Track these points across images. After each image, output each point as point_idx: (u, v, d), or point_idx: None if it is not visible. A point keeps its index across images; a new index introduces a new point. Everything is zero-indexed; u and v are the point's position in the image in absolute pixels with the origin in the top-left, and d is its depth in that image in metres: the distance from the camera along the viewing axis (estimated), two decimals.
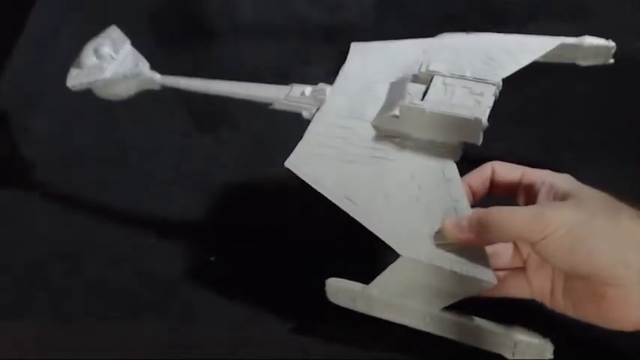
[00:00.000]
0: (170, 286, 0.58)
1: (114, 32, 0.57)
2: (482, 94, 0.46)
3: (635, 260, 0.39)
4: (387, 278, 0.45)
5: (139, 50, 0.58)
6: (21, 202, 0.65)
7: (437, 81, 0.47)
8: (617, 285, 0.39)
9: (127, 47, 0.57)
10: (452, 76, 0.47)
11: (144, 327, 0.54)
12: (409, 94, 0.47)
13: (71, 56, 0.57)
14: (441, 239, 0.42)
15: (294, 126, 0.51)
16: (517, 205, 0.47)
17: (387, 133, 0.48)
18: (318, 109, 0.50)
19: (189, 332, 0.53)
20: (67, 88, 0.56)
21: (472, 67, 0.48)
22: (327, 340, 0.52)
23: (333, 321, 0.53)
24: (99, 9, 0.72)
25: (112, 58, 0.55)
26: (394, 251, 0.43)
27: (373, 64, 0.52)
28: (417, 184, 0.45)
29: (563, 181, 0.44)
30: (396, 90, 0.49)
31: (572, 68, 0.68)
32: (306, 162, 0.47)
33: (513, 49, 0.50)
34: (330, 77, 0.53)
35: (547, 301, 0.46)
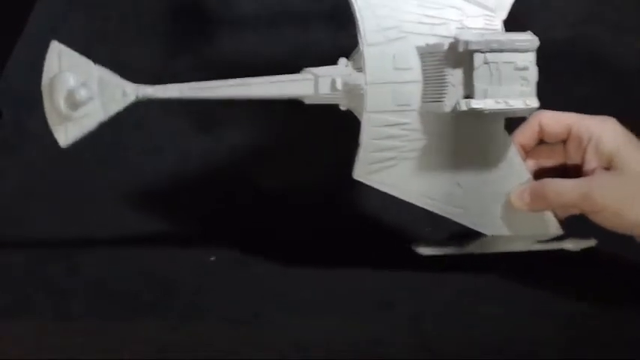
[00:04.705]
0: (170, 286, 0.58)
1: (66, 57, 0.48)
2: (526, 68, 0.46)
3: None
4: (478, 246, 0.53)
5: (140, 48, 0.57)
6: (21, 202, 0.65)
7: (478, 60, 0.46)
8: None
9: (94, 70, 0.47)
10: (492, 50, 0.45)
11: (144, 327, 0.54)
12: (451, 79, 0.46)
13: None
14: (511, 210, 0.50)
15: (294, 125, 0.51)
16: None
17: (436, 118, 0.48)
18: (358, 103, 0.48)
19: (189, 332, 0.53)
20: None
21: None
22: (327, 340, 0.52)
23: (333, 320, 0.53)
24: (99, 9, 0.72)
25: (91, 98, 0.47)
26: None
27: (390, 19, 0.48)
28: (480, 164, 0.49)
29: (609, 137, 0.48)
30: (432, 66, 0.47)
31: (572, 71, 0.68)
32: (371, 171, 0.48)
33: None
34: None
35: None
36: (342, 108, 0.50)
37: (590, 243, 0.54)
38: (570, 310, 0.53)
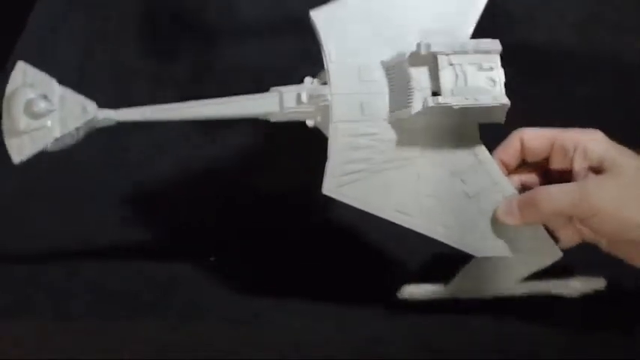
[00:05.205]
0: (170, 286, 0.58)
1: (30, 75, 0.47)
2: (491, 69, 0.46)
3: None
4: (466, 276, 0.49)
5: (140, 48, 0.57)
6: (21, 202, 0.65)
7: (442, 61, 0.46)
8: None
9: (57, 88, 0.47)
10: (455, 52, 0.46)
11: (144, 327, 0.54)
12: (416, 85, 0.46)
13: (71, 57, 0.57)
14: (499, 226, 0.46)
15: (294, 126, 0.51)
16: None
17: (407, 128, 0.47)
18: (324, 117, 0.48)
19: (189, 332, 0.54)
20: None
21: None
22: (327, 340, 0.52)
23: (333, 321, 0.53)
24: (99, 9, 0.72)
25: (50, 110, 0.46)
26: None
27: (353, 42, 0.49)
28: (459, 178, 0.47)
29: (596, 143, 0.46)
30: (397, 75, 0.47)
31: (572, 71, 0.68)
32: (341, 184, 0.46)
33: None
34: None
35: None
36: (309, 124, 0.49)
37: (600, 283, 0.50)
38: (570, 310, 0.53)
